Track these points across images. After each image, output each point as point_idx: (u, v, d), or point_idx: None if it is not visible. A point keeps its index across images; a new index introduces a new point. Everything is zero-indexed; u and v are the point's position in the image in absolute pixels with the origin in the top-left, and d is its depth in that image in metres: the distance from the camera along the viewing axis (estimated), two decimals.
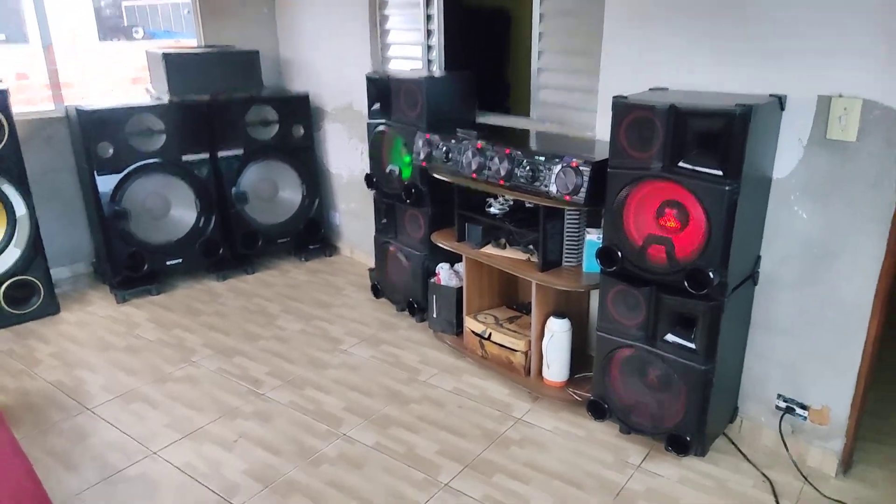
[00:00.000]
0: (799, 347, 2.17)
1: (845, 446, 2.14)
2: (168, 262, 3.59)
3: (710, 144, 1.84)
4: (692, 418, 2.10)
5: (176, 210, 3.58)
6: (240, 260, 3.89)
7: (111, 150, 3.32)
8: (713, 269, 1.90)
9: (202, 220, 3.65)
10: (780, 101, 1.99)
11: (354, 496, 2.08)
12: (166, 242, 3.57)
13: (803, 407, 2.20)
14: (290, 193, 3.95)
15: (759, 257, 2.18)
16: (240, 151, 3.69)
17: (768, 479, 2.14)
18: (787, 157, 2.05)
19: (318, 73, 3.93)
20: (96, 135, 3.28)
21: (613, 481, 2.15)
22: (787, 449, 2.22)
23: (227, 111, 3.61)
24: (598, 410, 2.34)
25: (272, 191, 3.89)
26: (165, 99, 3.50)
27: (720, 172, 1.83)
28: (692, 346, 2.04)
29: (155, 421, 2.48)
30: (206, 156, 3.60)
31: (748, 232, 2.05)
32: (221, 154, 3.64)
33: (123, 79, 3.88)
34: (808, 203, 2.04)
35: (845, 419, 2.12)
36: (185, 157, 3.52)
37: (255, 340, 3.10)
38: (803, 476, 2.16)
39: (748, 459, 2.24)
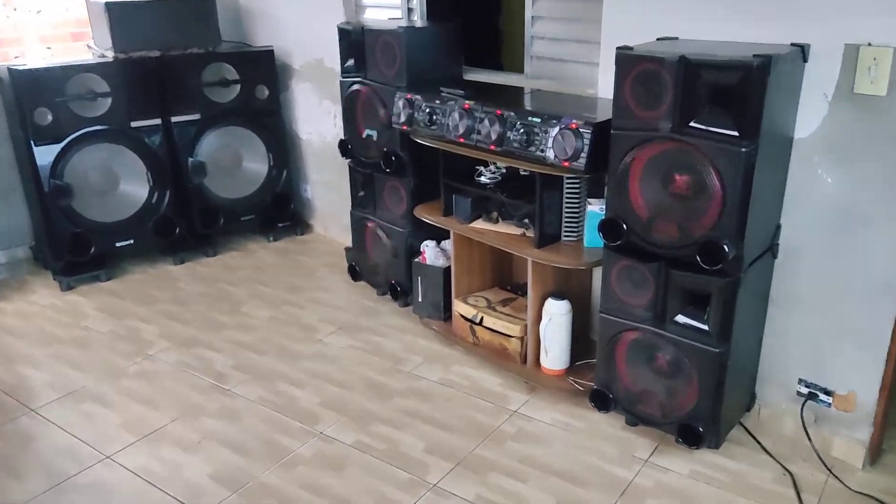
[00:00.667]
0: (823, 326, 2.20)
1: (873, 435, 2.19)
2: (118, 244, 3.57)
3: (725, 101, 1.84)
4: (705, 407, 2.13)
5: (125, 184, 3.54)
6: (199, 240, 3.87)
7: (50, 117, 3.27)
8: (728, 242, 1.91)
9: (155, 195, 3.62)
10: (803, 52, 1.99)
11: (333, 500, 2.11)
12: (115, 222, 3.54)
13: (827, 392, 2.23)
14: (255, 164, 3.92)
15: (778, 227, 2.20)
16: (196, 116, 3.65)
17: (789, 471, 2.19)
18: (811, 114, 2.05)
19: (283, 24, 3.88)
20: (32, 99, 3.22)
21: (619, 477, 2.18)
22: (809, 439, 2.26)
23: (181, 69, 3.57)
24: (601, 400, 2.36)
25: (234, 161, 3.86)
26: (110, 56, 3.45)
27: (736, 132, 1.84)
28: (705, 327, 2.06)
29: (108, 422, 2.48)
30: (157, 121, 3.56)
31: (767, 199, 2.06)
32: (175, 119, 3.60)
33: (63, 35, 3.81)
34: (834, 165, 2.05)
35: (873, 405, 2.16)
36: (134, 124, 3.48)
37: (219, 330, 3.10)
38: (827, 468, 2.20)
39: (767, 451, 2.28)
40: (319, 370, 2.79)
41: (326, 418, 2.49)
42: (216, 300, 3.38)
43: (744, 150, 1.84)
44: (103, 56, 3.51)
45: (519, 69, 2.99)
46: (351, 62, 3.06)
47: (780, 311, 2.28)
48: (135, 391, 2.66)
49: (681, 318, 2.11)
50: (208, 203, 3.78)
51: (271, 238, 4.09)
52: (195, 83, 3.61)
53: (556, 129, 2.25)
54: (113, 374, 2.77)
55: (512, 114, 2.39)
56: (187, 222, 3.78)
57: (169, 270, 3.71)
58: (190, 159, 3.67)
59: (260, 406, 2.56)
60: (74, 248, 3.45)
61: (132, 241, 3.60)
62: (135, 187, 3.57)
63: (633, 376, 2.27)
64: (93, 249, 3.49)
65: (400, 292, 3.17)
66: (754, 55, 1.78)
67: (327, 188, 4.04)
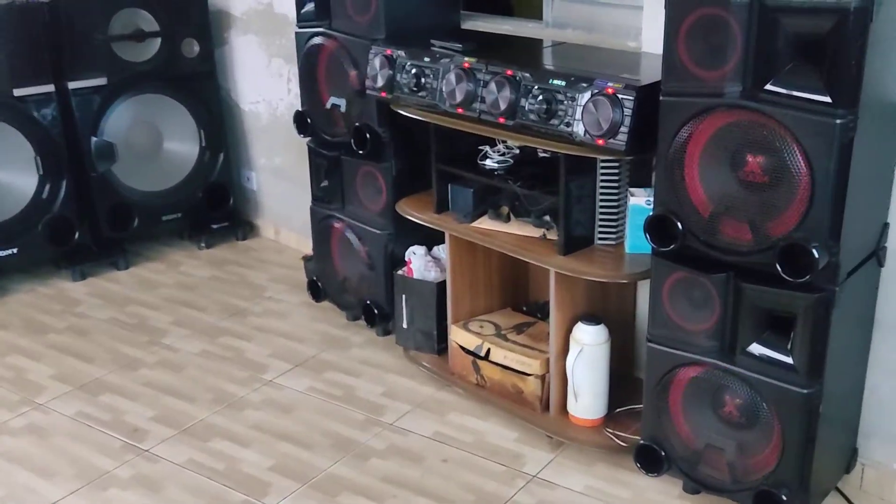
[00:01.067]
0: None
1: None
2: None
3: (813, 56, 1.84)
4: (790, 467, 2.13)
5: (5, 174, 3.53)
6: (106, 248, 3.86)
7: None
8: (818, 245, 1.91)
9: (47, 188, 3.61)
10: None
11: None
12: None
13: None
14: (181, 144, 3.92)
15: (886, 226, 2.21)
16: (102, 81, 3.65)
17: None
18: None
19: None
20: None
21: None
22: None
23: (81, 19, 3.56)
24: (651, 460, 2.36)
25: (153, 141, 3.85)
26: None
27: (828, 98, 1.84)
28: (789, 359, 2.06)
29: None
30: (49, 89, 3.55)
31: (870, 188, 2.07)
32: (74, 86, 3.60)
33: None
34: None
35: None
36: (17, 92, 3.48)
37: (134, 369, 3.09)
38: None
39: None
40: (269, 423, 2.78)
41: (280, 488, 2.47)
42: (129, 329, 3.37)
43: (839, 121, 1.84)
44: None
45: (536, 15, 3.00)
46: (310, 7, 3.07)
47: (889, 339, 2.28)
48: (20, 453, 2.64)
49: (756, 349, 2.11)
50: (118, 198, 3.77)
51: (203, 244, 4.08)
52: (100, 37, 3.60)
53: (587, 96, 2.25)
54: None
55: (527, 75, 2.39)
56: (90, 224, 3.77)
57: (66, 289, 3.70)
58: (93, 139, 3.67)
59: (189, 472, 2.55)
60: None
61: (15, 251, 3.59)
62: (18, 178, 3.56)
63: (694, 427, 2.27)
64: None
65: (378, 316, 3.17)
66: None
67: (279, 176, 4.04)
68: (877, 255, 2.20)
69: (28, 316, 3.48)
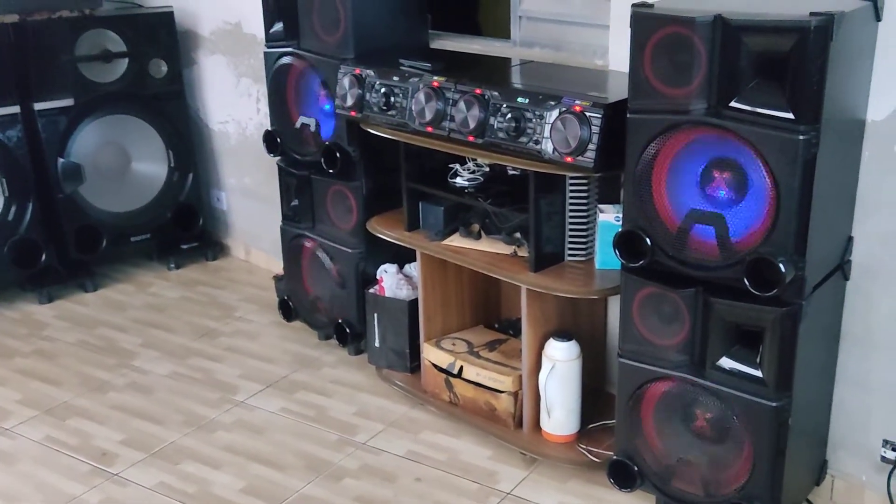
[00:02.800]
0: None
1: None
2: None
3: (776, 74, 1.87)
4: (761, 480, 2.14)
5: None
6: (73, 270, 3.83)
7: None
8: (784, 259, 1.94)
9: (12, 210, 3.59)
10: (876, 7, 2.04)
11: None
12: None
13: None
14: (150, 165, 3.90)
15: (850, 239, 2.24)
16: (69, 102, 3.64)
17: None
18: (887, 89, 2.10)
19: None
20: None
21: None
22: None
23: (47, 40, 3.55)
24: (624, 476, 2.36)
25: (121, 162, 3.83)
26: None
27: (791, 115, 1.86)
28: (758, 373, 2.08)
29: None
30: (15, 110, 3.53)
31: (834, 202, 2.09)
32: (40, 107, 3.58)
33: None
34: None
35: None
36: None
37: (102, 392, 3.06)
38: None
39: None
40: (241, 445, 2.76)
41: None
42: (97, 352, 3.34)
43: (801, 137, 1.86)
44: None
45: (504, 34, 3.02)
46: (279, 27, 3.07)
47: (855, 352, 2.31)
48: None
49: (726, 363, 2.12)
50: (86, 219, 3.75)
51: (172, 265, 4.06)
52: (66, 58, 3.59)
53: (555, 114, 2.27)
54: None
55: (496, 94, 2.40)
56: (56, 246, 3.74)
57: (32, 312, 3.66)
58: (60, 160, 3.65)
59: (160, 496, 2.52)
60: None
61: None
62: None
63: (665, 442, 2.28)
64: None
65: (350, 335, 3.16)
66: (812, 13, 1.81)
67: (249, 196, 4.03)
68: (842, 269, 2.23)
69: None
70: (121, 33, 3.71)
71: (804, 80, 1.84)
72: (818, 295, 2.09)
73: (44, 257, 3.67)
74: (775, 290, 1.96)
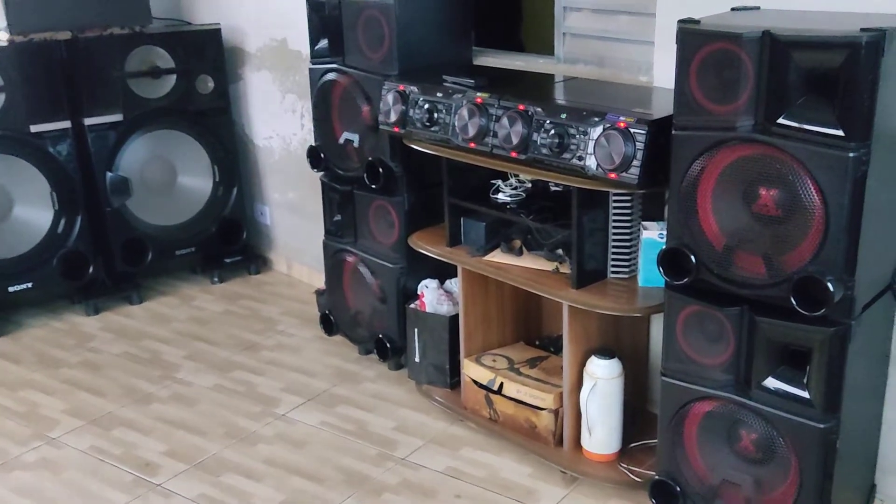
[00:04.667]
0: None
1: None
2: (11, 289, 3.57)
3: (825, 90, 1.85)
4: (808, 503, 2.10)
5: (21, 208, 3.56)
6: (120, 282, 3.88)
7: None
8: (833, 278, 1.91)
9: (62, 223, 3.64)
10: None
11: None
12: (7, 259, 3.55)
13: None
14: (195, 179, 3.95)
15: None
16: (118, 117, 3.69)
17: None
18: None
19: None
20: None
21: None
22: None
23: (98, 56, 3.61)
24: (666, 496, 2.34)
25: (167, 176, 3.88)
26: (3, 39, 3.49)
27: (840, 132, 1.84)
28: (805, 394, 2.05)
29: None
30: (66, 125, 3.59)
31: (884, 221, 2.06)
32: (90, 122, 3.63)
33: None
34: None
35: None
36: (34, 128, 3.52)
37: (146, 403, 3.09)
38: None
39: None
40: (281, 458, 2.77)
41: None
42: (142, 363, 3.37)
43: (852, 154, 1.84)
44: None
45: (548, 51, 3.02)
46: (324, 43, 3.10)
47: None
48: (32, 487, 2.64)
49: (772, 383, 2.09)
50: (132, 233, 3.80)
51: (216, 278, 4.10)
52: (116, 74, 3.65)
53: (599, 130, 2.26)
54: (2, 466, 2.75)
55: (539, 110, 2.40)
56: (104, 259, 3.79)
57: (79, 323, 3.71)
58: (108, 174, 3.70)
59: None
60: None
61: (30, 285, 3.61)
62: (34, 213, 3.59)
63: (709, 463, 2.25)
64: None
65: (390, 350, 3.16)
66: (862, 29, 1.79)
67: (292, 211, 4.06)
68: (892, 289, 2.18)
69: (41, 350, 3.49)
70: (169, 50, 3.76)
71: (854, 97, 1.81)
72: (868, 315, 2.06)
73: (91, 269, 3.72)
74: (823, 310, 1.93)
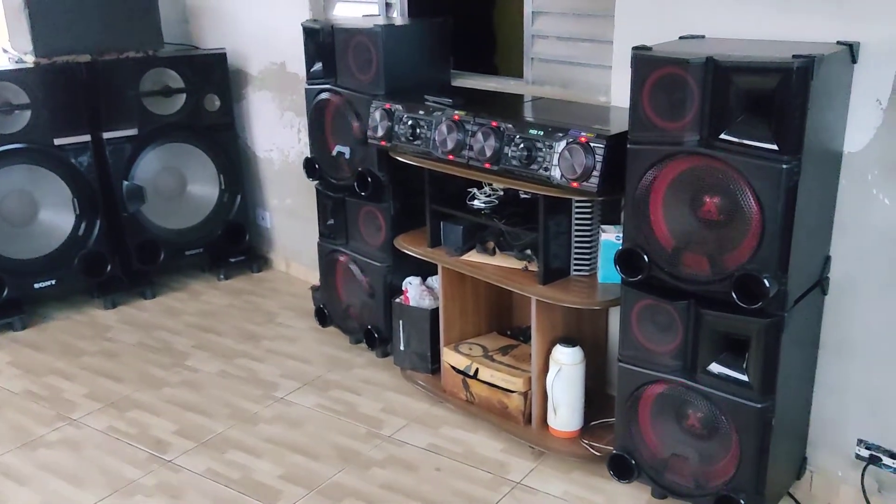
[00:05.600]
0: (885, 376, 2.20)
1: None
2: (36, 286, 3.54)
3: (762, 109, 1.87)
4: (747, 474, 2.12)
5: (46, 213, 3.53)
6: (135, 279, 3.85)
7: None
8: (769, 275, 1.92)
9: (83, 226, 3.61)
10: (851, 51, 2.03)
11: None
12: (33, 258, 3.52)
13: (892, 455, 2.23)
14: (203, 187, 3.92)
15: (828, 258, 2.22)
16: (133, 132, 3.66)
17: None
18: (862, 124, 2.08)
19: (238, 22, 3.92)
20: None
21: None
22: None
23: (116, 77, 3.59)
24: (622, 468, 2.35)
25: (178, 184, 3.86)
26: (30, 61, 3.46)
27: (775, 146, 1.86)
28: (744, 377, 2.06)
29: (22, 503, 2.43)
30: (86, 138, 3.56)
31: (813, 225, 2.08)
32: (108, 136, 3.61)
33: None
34: (892, 184, 2.08)
35: None
36: (57, 141, 3.49)
37: (158, 388, 3.07)
38: None
39: None
40: (280, 436, 2.76)
41: (289, 495, 2.45)
42: (155, 352, 3.35)
43: (784, 166, 1.86)
44: (21, 61, 3.52)
45: (517, 73, 3.03)
46: (318, 66, 3.09)
47: (832, 359, 2.28)
48: (55, 464, 2.62)
49: (715, 368, 2.11)
50: (146, 235, 3.77)
51: (222, 276, 4.07)
52: (132, 93, 3.62)
53: (563, 144, 2.27)
54: (28, 444, 2.72)
55: (510, 126, 2.41)
56: (121, 258, 3.76)
57: (98, 316, 3.68)
58: (125, 183, 3.67)
59: (208, 481, 2.52)
60: None
61: (54, 282, 3.58)
62: (58, 217, 3.56)
63: (660, 438, 2.26)
64: (5, 292, 3.46)
65: (378, 340, 3.15)
66: (794, 56, 1.81)
67: (290, 216, 4.04)
68: (821, 285, 2.21)
69: (64, 340, 3.46)
70: (180, 72, 3.74)
71: (787, 116, 1.83)
72: (799, 308, 2.08)
73: (109, 268, 3.69)
74: (760, 303, 1.95)
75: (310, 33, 3.09)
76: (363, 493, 2.45)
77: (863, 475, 2.27)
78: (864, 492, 2.27)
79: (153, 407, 2.94)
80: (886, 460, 2.23)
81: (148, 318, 3.66)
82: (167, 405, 2.95)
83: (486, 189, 2.78)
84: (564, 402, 2.56)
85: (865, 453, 2.27)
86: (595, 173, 2.21)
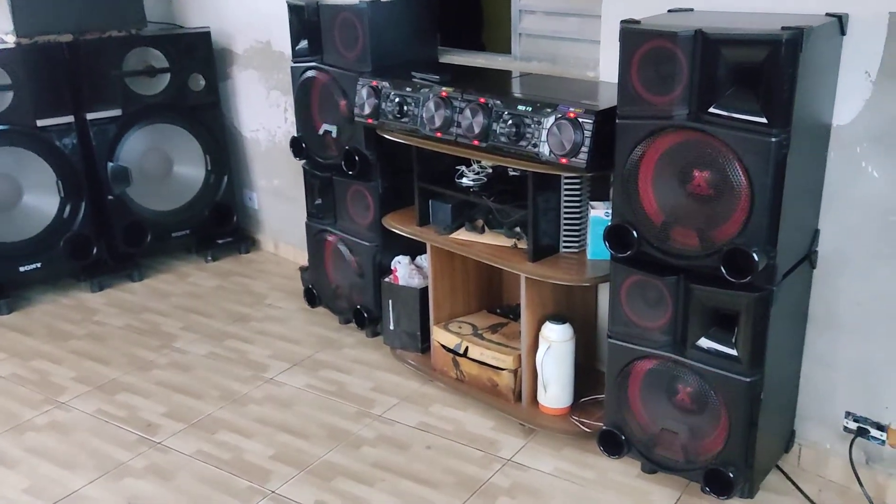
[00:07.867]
0: (873, 349, 2.21)
1: None
2: (21, 269, 3.53)
3: (750, 82, 1.86)
4: (736, 448, 2.13)
5: (30, 196, 3.50)
6: (121, 262, 3.84)
7: None
8: (758, 249, 1.93)
9: (67, 208, 3.59)
10: (840, 23, 2.02)
11: None
12: (18, 242, 3.50)
13: (880, 428, 2.25)
14: (189, 168, 3.90)
15: (816, 232, 2.22)
16: (117, 112, 3.64)
17: None
18: (851, 96, 2.08)
19: (222, 0, 3.88)
20: None
21: None
22: (860, 483, 2.27)
23: (98, 57, 3.56)
24: (612, 444, 2.36)
25: (164, 165, 3.83)
26: (10, 41, 3.42)
27: (764, 119, 1.86)
28: (733, 351, 2.07)
29: (11, 486, 2.43)
30: (70, 119, 3.54)
31: (802, 198, 2.08)
32: (91, 117, 3.58)
33: None
34: (880, 156, 2.08)
35: None
36: (40, 123, 3.46)
37: (147, 370, 3.06)
38: None
39: (810, 499, 2.28)
40: (270, 416, 2.76)
41: (280, 475, 2.45)
42: (143, 334, 3.34)
43: (773, 139, 1.85)
44: (2, 41, 3.48)
45: (505, 49, 3.01)
46: (304, 44, 3.07)
47: (821, 333, 2.30)
48: (43, 447, 2.61)
49: (704, 343, 2.12)
50: (132, 217, 3.75)
51: (209, 257, 4.06)
52: (115, 73, 3.59)
53: (551, 120, 2.26)
54: (16, 428, 2.71)
55: (498, 102, 2.39)
56: (107, 241, 3.75)
57: (85, 299, 3.67)
58: (109, 164, 3.65)
59: (198, 462, 2.52)
60: None
61: (39, 265, 3.56)
62: (42, 199, 3.53)
63: (650, 414, 2.27)
64: None
65: (367, 319, 3.15)
66: (783, 28, 1.80)
67: (277, 196, 4.03)
68: (809, 258, 2.21)
69: (51, 324, 3.44)
70: (163, 51, 3.71)
71: (776, 88, 1.83)
72: (788, 282, 2.08)
73: (95, 251, 3.68)
74: (749, 278, 1.95)
75: (295, 10, 3.06)
76: (354, 472, 2.46)
77: (851, 447, 2.29)
78: (852, 464, 2.29)
79: (142, 389, 2.94)
80: (874, 432, 2.25)
81: (135, 301, 3.65)
82: (156, 387, 2.95)
83: (475, 166, 2.77)
84: (554, 379, 2.57)
85: (853, 426, 2.29)
86: (584, 149, 2.20)
